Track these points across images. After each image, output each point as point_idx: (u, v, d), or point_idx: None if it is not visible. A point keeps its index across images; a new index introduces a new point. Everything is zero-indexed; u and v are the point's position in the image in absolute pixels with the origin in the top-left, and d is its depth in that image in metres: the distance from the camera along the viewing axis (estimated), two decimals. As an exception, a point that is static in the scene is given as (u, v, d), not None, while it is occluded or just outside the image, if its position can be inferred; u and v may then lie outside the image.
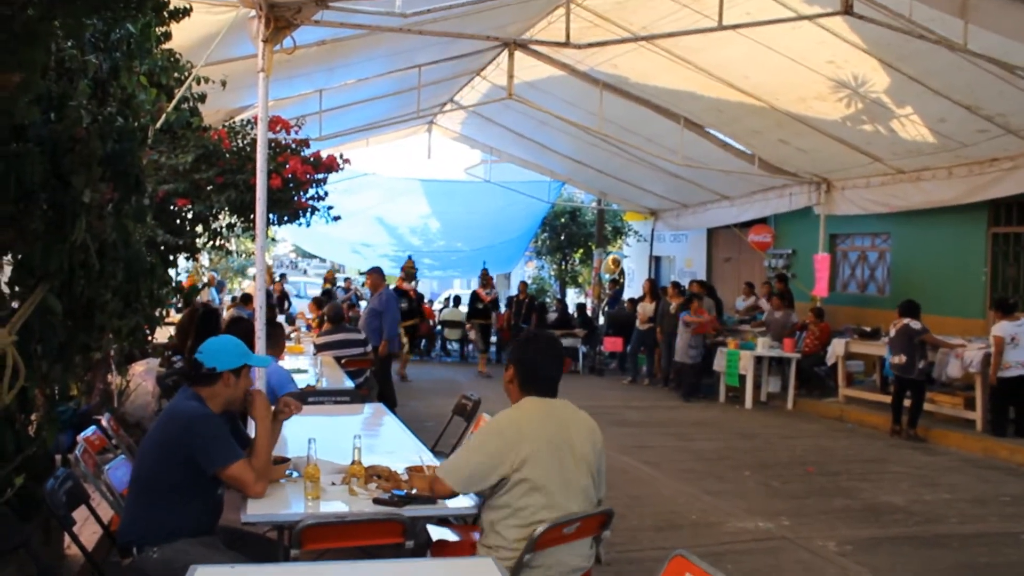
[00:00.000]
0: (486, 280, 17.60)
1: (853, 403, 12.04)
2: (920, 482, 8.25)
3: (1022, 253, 12.34)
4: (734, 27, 8.16)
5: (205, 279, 20.15)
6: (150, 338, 6.72)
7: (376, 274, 11.63)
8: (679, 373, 13.68)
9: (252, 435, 4.06)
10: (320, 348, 9.63)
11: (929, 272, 13.45)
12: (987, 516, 7.17)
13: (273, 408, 4.03)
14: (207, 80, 6.94)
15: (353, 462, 3.87)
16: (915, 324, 10.16)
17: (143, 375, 8.36)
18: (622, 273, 20.47)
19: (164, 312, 6.85)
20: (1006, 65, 7.93)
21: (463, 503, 3.70)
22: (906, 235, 14.08)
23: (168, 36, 5.65)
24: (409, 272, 17.10)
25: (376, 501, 3.65)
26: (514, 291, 21.03)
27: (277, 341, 6.90)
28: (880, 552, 6.08)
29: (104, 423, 5.19)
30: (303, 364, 8.58)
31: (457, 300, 19.95)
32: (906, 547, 6.23)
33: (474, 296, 17.42)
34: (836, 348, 12.30)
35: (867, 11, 7.55)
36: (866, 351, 12.18)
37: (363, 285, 18.21)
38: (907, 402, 10.29)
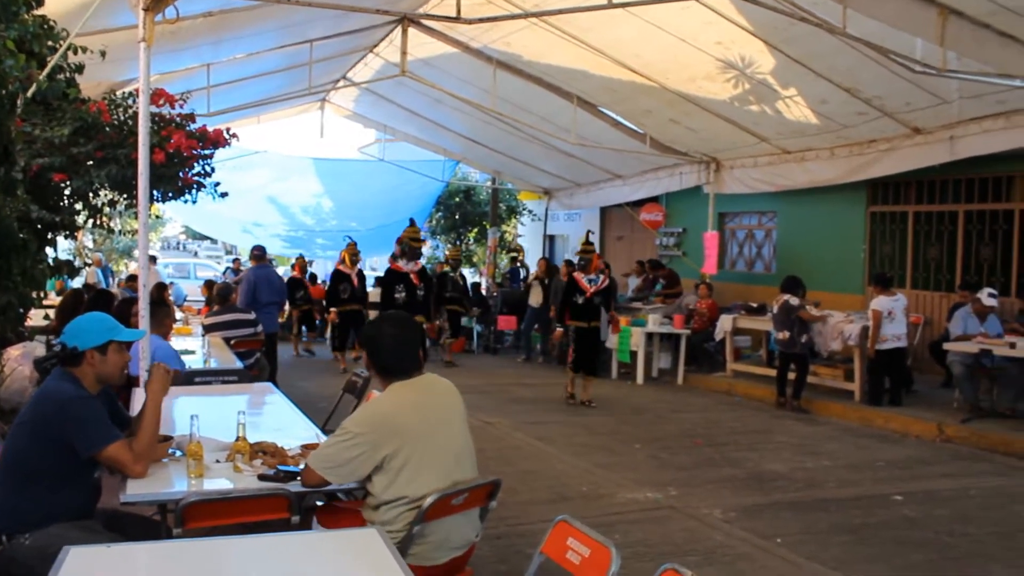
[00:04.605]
0: (354, 254, 13.52)
1: (741, 377, 12.38)
2: (802, 451, 8.56)
3: (897, 231, 12.89)
4: (623, 5, 8.24)
5: (90, 260, 19.45)
6: (27, 318, 6.47)
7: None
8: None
9: (135, 414, 3.94)
10: (209, 329, 9.37)
11: (812, 249, 13.95)
12: (862, 480, 7.50)
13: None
14: (85, 50, 6.63)
15: (238, 438, 3.80)
16: (793, 300, 10.46)
17: (19, 359, 8.01)
18: (521, 251, 20.60)
19: (41, 293, 6.58)
20: (881, 49, 8.22)
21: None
22: (791, 214, 14.54)
23: (40, 1, 5.40)
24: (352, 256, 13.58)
25: (261, 477, 3.59)
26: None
27: (162, 320, 6.72)
28: (763, 517, 6.30)
29: (-26, 408, 4.97)
30: (191, 345, 8.35)
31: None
32: (787, 512, 6.47)
33: (572, 285, 10.78)
34: (724, 324, 12.62)
35: (751, -8, 7.73)
36: (753, 326, 12.53)
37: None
38: (791, 375, 10.65)
